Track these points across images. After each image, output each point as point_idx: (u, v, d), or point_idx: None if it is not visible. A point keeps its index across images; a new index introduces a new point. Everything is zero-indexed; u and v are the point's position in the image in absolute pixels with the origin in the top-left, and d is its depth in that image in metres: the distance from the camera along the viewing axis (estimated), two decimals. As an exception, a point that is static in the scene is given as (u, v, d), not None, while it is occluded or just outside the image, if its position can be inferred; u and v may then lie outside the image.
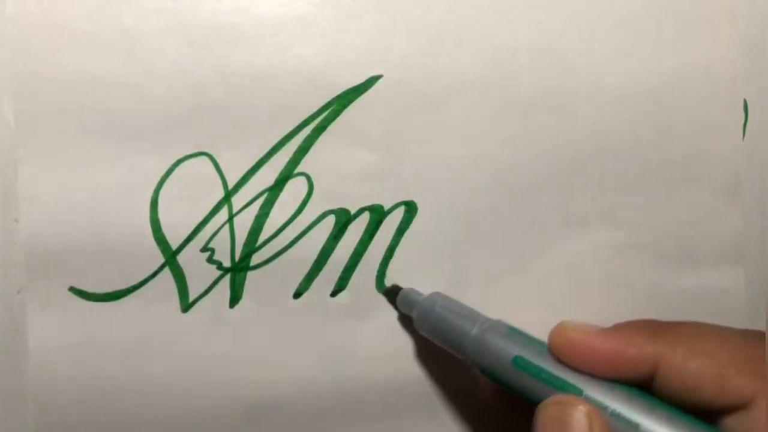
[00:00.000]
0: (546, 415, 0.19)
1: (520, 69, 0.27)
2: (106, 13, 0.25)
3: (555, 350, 0.21)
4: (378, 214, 0.27)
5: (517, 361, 0.21)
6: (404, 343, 0.27)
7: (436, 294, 0.26)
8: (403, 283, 0.27)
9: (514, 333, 0.22)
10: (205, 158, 0.26)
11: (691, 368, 0.19)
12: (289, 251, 0.26)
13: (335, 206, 0.27)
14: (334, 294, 0.27)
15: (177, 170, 0.26)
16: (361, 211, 0.27)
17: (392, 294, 0.27)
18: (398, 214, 0.27)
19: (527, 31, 0.27)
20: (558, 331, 0.21)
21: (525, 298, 0.28)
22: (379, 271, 0.27)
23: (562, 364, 0.21)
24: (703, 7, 0.28)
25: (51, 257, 0.25)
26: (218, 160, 0.26)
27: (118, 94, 0.25)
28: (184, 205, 0.26)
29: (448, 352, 0.24)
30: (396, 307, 0.27)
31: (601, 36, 0.27)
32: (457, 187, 0.27)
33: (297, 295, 0.27)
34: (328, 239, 0.27)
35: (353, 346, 0.27)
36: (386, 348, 0.27)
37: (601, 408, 0.19)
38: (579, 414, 0.19)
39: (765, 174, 0.29)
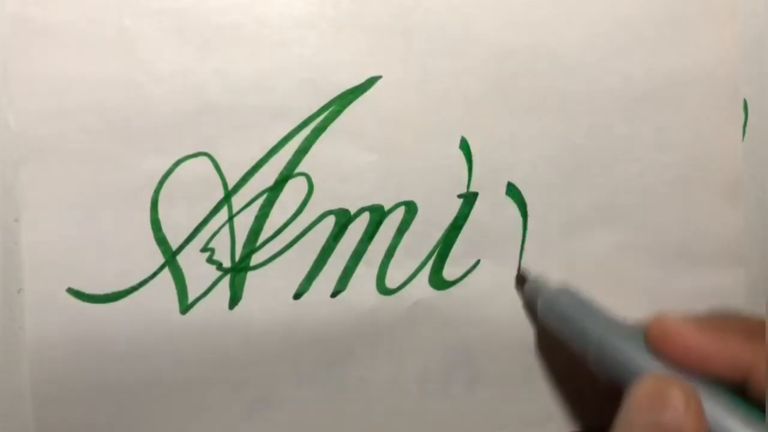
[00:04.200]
0: (642, 388, 0.19)
1: (520, 69, 0.27)
2: (106, 13, 0.25)
3: (651, 340, 0.21)
4: (378, 214, 0.27)
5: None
6: (404, 343, 0.27)
7: (563, 290, 0.25)
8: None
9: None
10: (205, 158, 0.26)
11: None
12: (289, 251, 0.26)
13: (335, 206, 0.27)
14: (334, 294, 0.27)
15: (177, 170, 0.26)
16: (361, 211, 0.27)
17: (521, 281, 0.27)
18: (398, 214, 0.27)
19: (527, 31, 0.27)
20: (655, 322, 0.21)
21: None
22: (379, 271, 0.27)
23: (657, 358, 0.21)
24: (703, 7, 0.28)
25: (51, 257, 0.25)
26: (218, 160, 0.26)
27: (118, 95, 0.25)
28: (184, 205, 0.26)
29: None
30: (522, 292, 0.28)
31: (601, 36, 0.27)
32: (457, 187, 0.27)
33: (297, 295, 0.27)
34: (328, 239, 0.27)
35: (353, 347, 0.27)
36: (386, 348, 0.27)
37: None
38: (678, 390, 0.18)
39: (765, 174, 0.29)
